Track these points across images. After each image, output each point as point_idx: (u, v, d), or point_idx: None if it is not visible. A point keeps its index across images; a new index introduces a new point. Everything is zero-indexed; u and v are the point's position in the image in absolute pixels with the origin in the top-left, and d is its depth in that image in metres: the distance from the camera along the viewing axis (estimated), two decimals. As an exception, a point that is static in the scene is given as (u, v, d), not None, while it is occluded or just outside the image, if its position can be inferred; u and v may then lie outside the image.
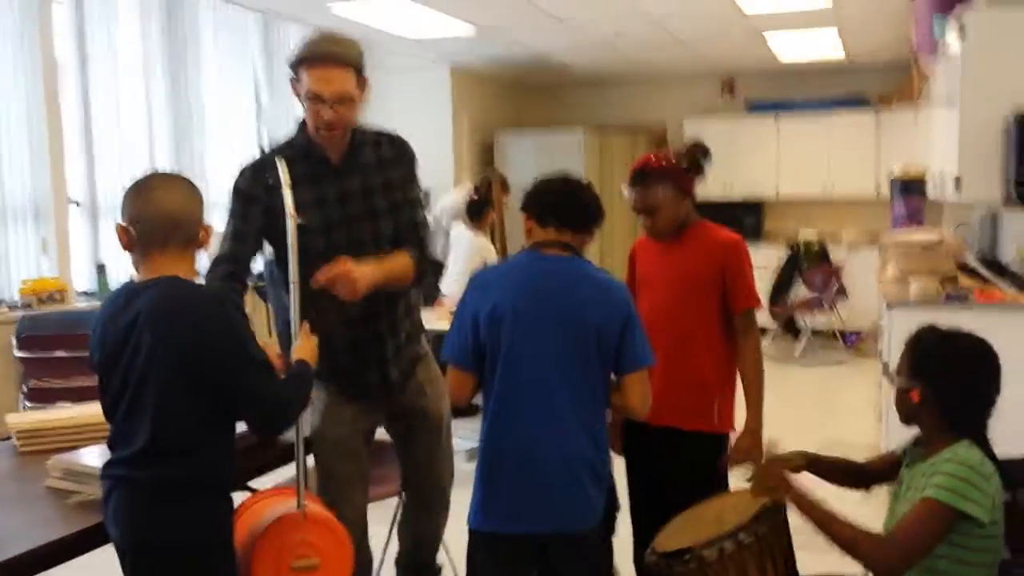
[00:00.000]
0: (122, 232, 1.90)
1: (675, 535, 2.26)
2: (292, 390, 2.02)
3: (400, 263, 2.57)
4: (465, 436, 5.64)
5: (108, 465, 1.85)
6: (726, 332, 2.70)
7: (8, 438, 2.55)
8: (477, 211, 5.98)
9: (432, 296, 6.62)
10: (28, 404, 5.08)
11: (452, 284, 6.10)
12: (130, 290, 1.87)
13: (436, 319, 5.76)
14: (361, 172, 2.56)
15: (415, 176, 2.70)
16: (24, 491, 2.15)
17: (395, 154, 2.66)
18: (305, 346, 2.16)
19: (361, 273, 2.37)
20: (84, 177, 6.34)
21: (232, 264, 2.50)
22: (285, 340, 2.59)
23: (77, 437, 2.48)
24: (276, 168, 2.37)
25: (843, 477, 2.33)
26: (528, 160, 8.97)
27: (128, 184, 1.94)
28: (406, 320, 2.70)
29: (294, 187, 2.35)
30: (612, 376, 2.21)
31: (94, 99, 6.12)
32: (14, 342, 5.30)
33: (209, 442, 1.84)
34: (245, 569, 2.00)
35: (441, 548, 3.45)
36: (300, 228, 2.31)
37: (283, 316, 2.64)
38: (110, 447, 1.87)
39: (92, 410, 2.73)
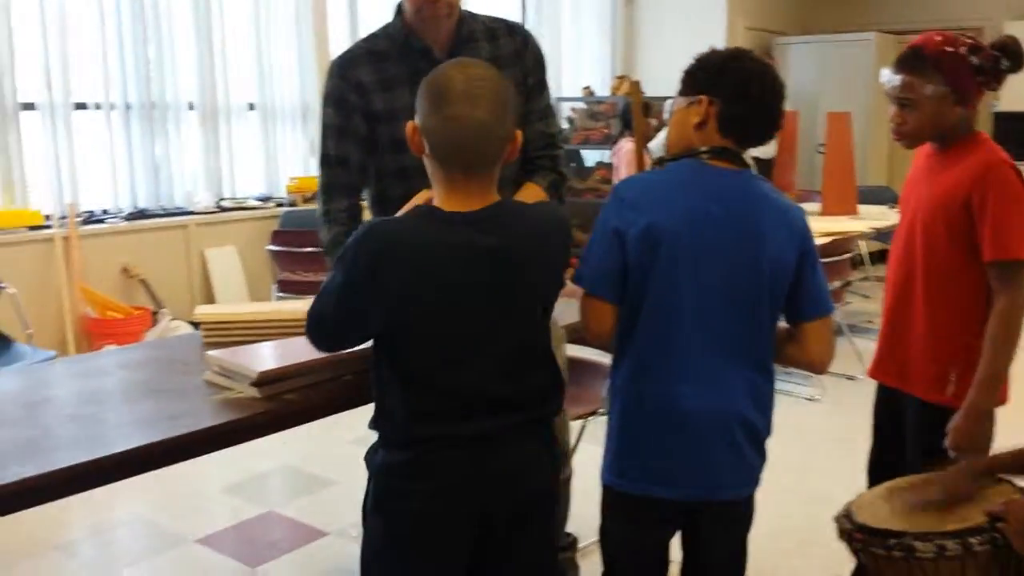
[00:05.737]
0: None
1: (880, 505, 1.85)
2: None
3: (532, 200, 2.11)
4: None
5: (492, 417, 1.64)
6: (984, 284, 2.13)
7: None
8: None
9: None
10: (279, 295, 5.37)
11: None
12: (466, 221, 1.61)
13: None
14: None
15: (543, 78, 2.26)
16: (183, 382, 2.11)
17: (515, 48, 2.22)
18: None
19: None
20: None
21: (346, 197, 2.22)
22: None
23: (262, 332, 2.43)
24: (366, 63, 2.10)
25: None
26: (810, 69, 8.18)
27: None
28: None
29: (389, 89, 2.08)
30: (782, 322, 1.82)
31: (361, 4, 6.22)
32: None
33: None
34: None
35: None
36: (399, 142, 1.83)
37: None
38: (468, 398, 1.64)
39: (282, 306, 2.70)
